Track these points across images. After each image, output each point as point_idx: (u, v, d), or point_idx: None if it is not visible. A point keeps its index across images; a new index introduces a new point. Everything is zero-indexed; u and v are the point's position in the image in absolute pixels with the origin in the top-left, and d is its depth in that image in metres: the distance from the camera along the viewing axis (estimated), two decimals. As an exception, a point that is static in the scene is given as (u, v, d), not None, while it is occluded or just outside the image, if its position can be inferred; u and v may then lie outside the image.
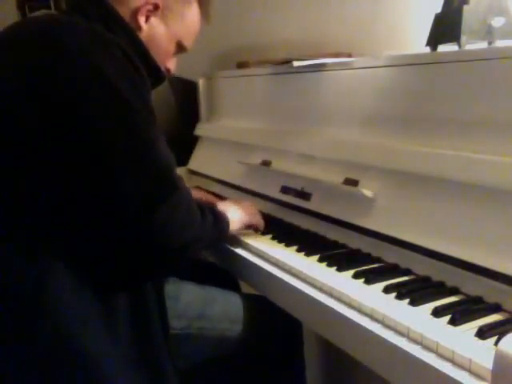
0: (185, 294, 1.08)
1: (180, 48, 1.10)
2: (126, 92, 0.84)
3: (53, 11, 1.00)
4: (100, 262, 0.87)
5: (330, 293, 0.87)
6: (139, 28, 1.01)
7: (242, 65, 1.75)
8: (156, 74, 1.03)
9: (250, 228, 1.17)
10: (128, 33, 0.98)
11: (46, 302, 0.83)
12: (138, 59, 0.91)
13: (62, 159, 0.83)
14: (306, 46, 1.67)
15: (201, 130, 1.87)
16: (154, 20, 1.03)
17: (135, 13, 1.00)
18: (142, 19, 1.01)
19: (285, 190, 1.28)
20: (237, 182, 1.50)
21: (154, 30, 1.03)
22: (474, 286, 0.82)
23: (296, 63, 1.26)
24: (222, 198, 1.45)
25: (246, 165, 1.47)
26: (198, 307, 1.05)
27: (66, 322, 0.84)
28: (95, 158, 0.82)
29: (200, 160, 1.82)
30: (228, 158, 1.60)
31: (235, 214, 1.12)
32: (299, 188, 1.23)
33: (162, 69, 1.07)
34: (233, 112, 1.73)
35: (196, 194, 1.40)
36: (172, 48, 1.08)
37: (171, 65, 1.12)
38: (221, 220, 1.04)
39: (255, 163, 1.43)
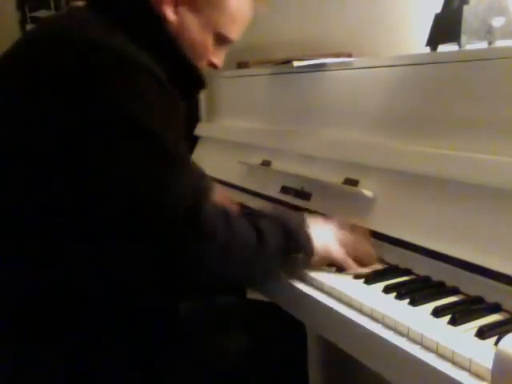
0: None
1: (222, 39, 0.96)
2: (162, 136, 0.78)
3: (76, 14, 0.90)
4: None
5: (329, 293, 0.87)
6: (166, 20, 0.90)
7: (241, 65, 1.75)
8: (194, 77, 0.94)
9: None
10: (160, 34, 0.88)
11: None
12: (172, 65, 0.86)
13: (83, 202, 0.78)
14: (306, 45, 1.67)
15: (201, 129, 1.87)
16: (182, 9, 0.90)
17: (160, 2, 0.89)
18: (168, 9, 0.90)
19: (285, 190, 1.28)
20: (237, 182, 1.50)
21: (184, 21, 0.91)
22: (474, 286, 0.81)
23: (296, 63, 1.26)
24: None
25: (246, 165, 1.47)
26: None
27: None
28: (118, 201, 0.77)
29: (200, 160, 1.82)
30: (228, 158, 1.60)
31: (321, 245, 0.91)
32: (299, 188, 1.23)
33: (201, 71, 0.96)
34: (233, 112, 1.73)
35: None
36: (209, 40, 0.95)
37: (216, 59, 0.99)
38: (298, 247, 0.88)
39: (255, 163, 1.43)
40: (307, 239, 0.89)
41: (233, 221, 0.82)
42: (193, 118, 1.90)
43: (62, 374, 0.84)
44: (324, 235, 0.92)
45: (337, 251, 0.92)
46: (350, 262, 0.92)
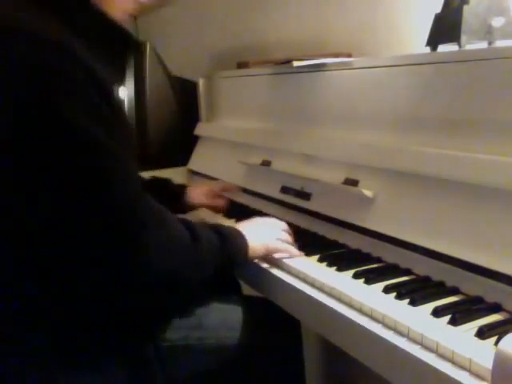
0: (181, 304, 1.06)
1: None
2: (82, 126, 0.77)
3: None
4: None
5: (329, 293, 0.87)
6: None
7: (241, 65, 1.75)
8: (123, 36, 0.93)
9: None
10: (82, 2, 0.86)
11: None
12: (98, 31, 0.85)
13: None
14: (306, 46, 1.68)
15: (201, 129, 1.87)
16: None
17: None
18: None
19: (285, 190, 1.28)
20: (237, 182, 1.50)
21: None
22: (474, 286, 0.82)
23: (296, 63, 1.26)
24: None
25: (246, 165, 1.47)
26: (195, 317, 1.03)
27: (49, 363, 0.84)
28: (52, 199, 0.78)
29: (200, 160, 1.82)
30: (228, 158, 1.60)
31: (256, 236, 1.01)
32: (299, 188, 1.23)
33: (128, 30, 0.94)
34: (233, 112, 1.74)
35: (212, 187, 1.41)
36: None
37: None
38: (232, 242, 0.95)
39: (255, 163, 1.43)
40: (240, 238, 0.98)
41: (169, 218, 0.87)
42: (193, 117, 1.90)
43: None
44: (257, 233, 1.02)
45: (274, 245, 1.02)
46: (291, 250, 1.03)
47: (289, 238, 1.06)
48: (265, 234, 1.04)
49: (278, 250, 1.03)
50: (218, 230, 0.95)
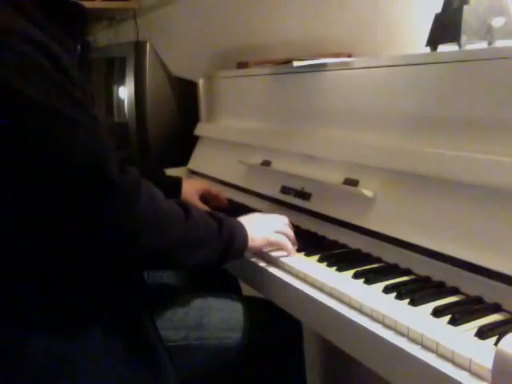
0: (181, 304, 1.06)
1: None
2: (41, 97, 0.77)
3: None
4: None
5: (329, 293, 0.87)
6: None
7: (241, 65, 1.75)
8: (77, 12, 0.92)
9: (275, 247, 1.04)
10: None
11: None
12: (52, 12, 0.84)
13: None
14: (305, 46, 1.67)
15: (201, 130, 1.87)
16: None
17: None
18: None
19: (285, 190, 1.28)
20: (237, 182, 1.50)
21: None
22: (474, 286, 0.82)
23: (296, 63, 1.26)
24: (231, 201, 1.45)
25: (246, 165, 1.47)
26: (196, 317, 1.04)
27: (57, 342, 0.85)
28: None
29: (200, 160, 1.82)
30: (228, 158, 1.60)
31: (256, 227, 1.01)
32: (299, 188, 1.23)
33: (80, 4, 0.92)
34: (233, 112, 1.74)
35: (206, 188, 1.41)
36: None
37: None
38: (229, 226, 0.95)
39: (255, 163, 1.43)
40: (237, 223, 0.98)
41: (159, 193, 0.87)
42: (193, 117, 1.90)
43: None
44: (257, 224, 1.03)
45: (274, 238, 1.02)
46: (289, 247, 1.02)
47: (290, 233, 1.06)
48: (265, 226, 1.03)
49: (277, 243, 1.02)
50: (213, 214, 0.96)
